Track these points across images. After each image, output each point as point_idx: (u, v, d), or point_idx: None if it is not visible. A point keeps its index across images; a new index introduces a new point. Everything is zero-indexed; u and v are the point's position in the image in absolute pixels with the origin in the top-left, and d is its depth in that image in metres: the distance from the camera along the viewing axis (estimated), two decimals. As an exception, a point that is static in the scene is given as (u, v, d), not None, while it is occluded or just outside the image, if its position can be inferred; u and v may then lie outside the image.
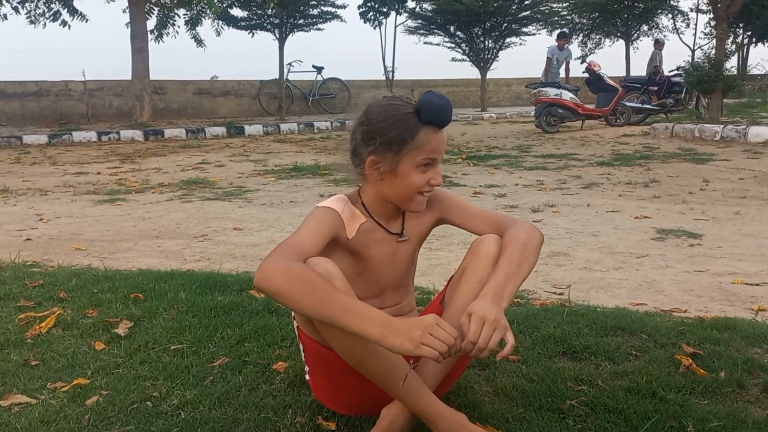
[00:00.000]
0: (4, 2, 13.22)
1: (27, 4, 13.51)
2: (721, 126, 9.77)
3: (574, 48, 21.35)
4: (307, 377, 1.79)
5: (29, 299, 2.77)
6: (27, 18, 13.58)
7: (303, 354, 1.76)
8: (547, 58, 13.14)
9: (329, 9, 14.93)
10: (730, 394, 1.88)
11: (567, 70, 13.88)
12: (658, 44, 15.64)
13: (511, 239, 1.57)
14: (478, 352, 1.36)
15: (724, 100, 11.73)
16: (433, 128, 1.56)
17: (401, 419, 1.56)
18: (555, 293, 3.07)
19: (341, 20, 15.20)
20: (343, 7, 15.18)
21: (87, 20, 13.78)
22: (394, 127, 1.56)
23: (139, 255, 3.95)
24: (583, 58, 20.11)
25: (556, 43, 13.51)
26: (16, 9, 13.51)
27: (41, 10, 13.62)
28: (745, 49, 21.53)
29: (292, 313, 1.76)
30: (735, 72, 12.53)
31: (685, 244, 4.05)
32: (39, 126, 12.75)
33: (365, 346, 1.41)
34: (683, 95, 12.53)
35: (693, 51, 20.20)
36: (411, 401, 1.52)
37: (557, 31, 15.13)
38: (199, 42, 14.98)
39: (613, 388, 1.89)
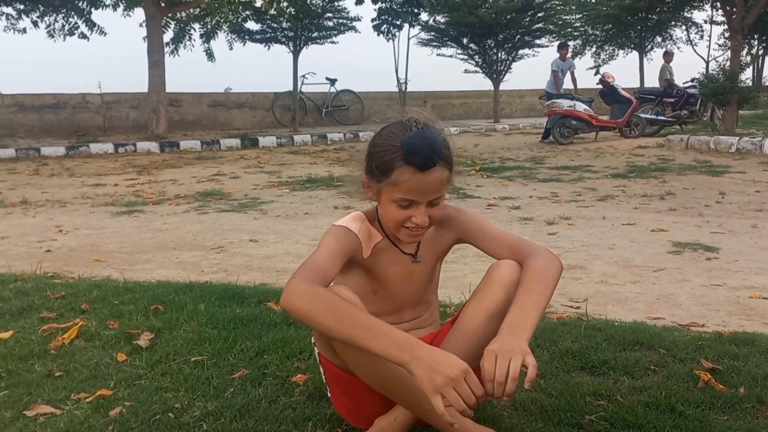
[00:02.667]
0: (23, 16, 13.44)
1: (46, 18, 13.73)
2: (737, 138, 9.72)
3: (587, 59, 21.39)
4: (329, 394, 1.81)
5: (52, 310, 2.82)
6: (47, 31, 13.80)
7: (324, 377, 1.77)
8: (553, 71, 13.02)
9: (344, 21, 15.05)
10: (750, 410, 1.87)
11: (574, 80, 13.73)
12: (668, 56, 15.53)
13: (529, 268, 1.53)
14: (498, 389, 1.29)
15: (740, 112, 11.67)
16: (413, 169, 1.47)
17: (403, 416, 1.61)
18: (572, 307, 3.07)
19: (356, 31, 15.30)
20: (358, 19, 15.31)
21: (105, 33, 14.00)
22: (379, 156, 1.52)
23: (158, 266, 3.99)
24: (596, 70, 20.11)
25: (558, 55, 13.40)
26: (35, 23, 13.73)
27: (60, 24, 13.85)
28: (760, 61, 21.43)
29: (312, 339, 1.76)
30: (750, 83, 12.45)
31: (702, 257, 4.04)
32: (57, 138, 12.90)
33: (389, 371, 1.40)
34: (698, 107, 12.49)
35: (707, 62, 20.12)
36: (441, 423, 1.51)
37: (556, 43, 15.03)
38: (210, 56, 15.13)
39: (632, 403, 1.89)
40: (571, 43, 18.42)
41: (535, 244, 1.65)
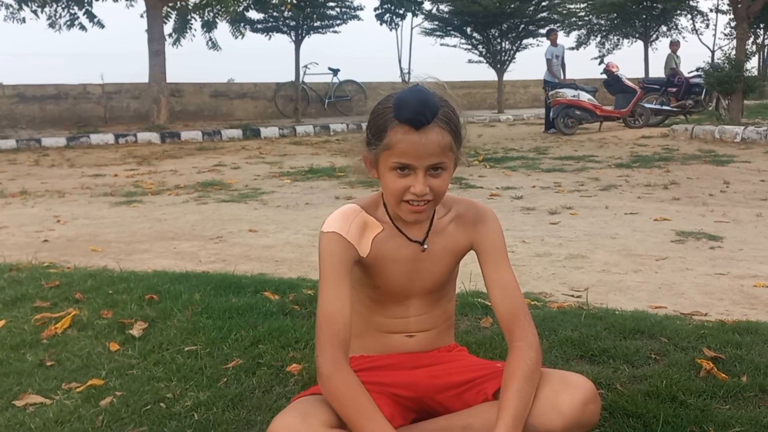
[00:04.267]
0: (23, 6, 13.38)
1: (46, 9, 13.67)
2: (742, 127, 9.64)
3: (592, 48, 21.24)
4: None
5: (45, 300, 2.79)
6: (48, 22, 13.75)
7: None
8: (547, 59, 12.81)
9: (346, 10, 14.98)
10: (752, 398, 1.84)
11: (563, 64, 13.46)
12: (673, 45, 15.39)
13: (523, 361, 1.42)
14: None
15: (745, 102, 11.57)
16: (406, 128, 1.36)
17: None
18: (573, 296, 3.03)
19: (359, 19, 15.22)
20: (360, 8, 15.22)
21: (103, 26, 13.94)
22: (374, 121, 1.42)
23: (155, 256, 3.96)
24: (601, 59, 19.96)
25: (549, 42, 13.15)
26: (35, 13, 13.67)
27: (59, 14, 13.78)
28: (766, 50, 21.27)
29: None
30: (756, 73, 12.36)
31: (706, 246, 3.99)
32: (58, 129, 12.86)
33: None
34: (703, 96, 12.38)
35: (713, 52, 19.97)
36: None
37: (546, 29, 14.80)
38: (214, 45, 15.06)
39: (633, 392, 1.86)
40: (575, 33, 18.31)
41: (529, 319, 1.49)
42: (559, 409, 1.38)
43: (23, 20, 13.79)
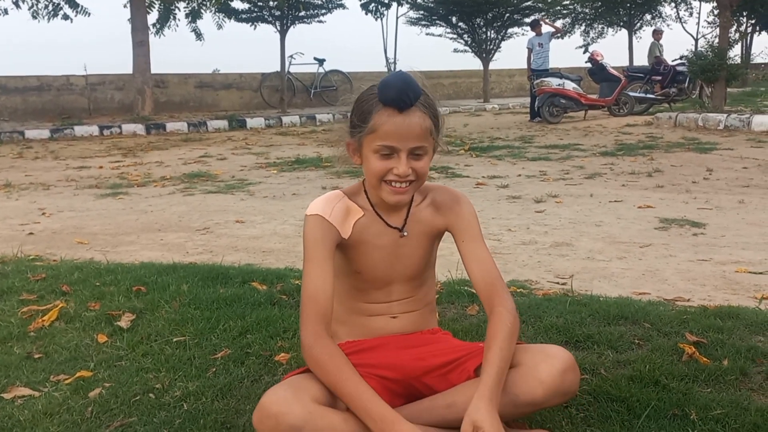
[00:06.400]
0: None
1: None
2: (725, 115, 9.72)
3: (577, 37, 21.33)
4: None
5: (32, 293, 2.78)
6: (30, 11, 13.55)
7: None
8: (528, 49, 12.80)
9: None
10: (733, 382, 1.87)
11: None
12: (657, 34, 15.46)
13: (503, 325, 1.48)
14: None
15: (728, 89, 11.66)
16: (391, 110, 1.43)
17: None
18: (558, 283, 3.06)
19: (344, 8, 15.15)
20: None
21: (89, 14, 13.76)
22: (359, 107, 1.48)
23: (142, 248, 3.95)
24: (585, 48, 20.04)
25: (533, 33, 13.13)
26: (16, 3, 13.48)
27: (42, 4, 13.59)
28: (748, 38, 21.44)
29: None
30: (738, 61, 12.44)
31: (689, 233, 4.04)
32: (41, 121, 12.74)
33: None
34: (686, 84, 12.47)
35: (696, 40, 20.11)
36: None
37: (531, 19, 14.79)
38: (198, 35, 14.94)
39: (616, 377, 1.89)
40: (559, 21, 18.33)
41: (506, 289, 1.57)
42: (540, 378, 1.45)
43: (5, 11, 13.59)
